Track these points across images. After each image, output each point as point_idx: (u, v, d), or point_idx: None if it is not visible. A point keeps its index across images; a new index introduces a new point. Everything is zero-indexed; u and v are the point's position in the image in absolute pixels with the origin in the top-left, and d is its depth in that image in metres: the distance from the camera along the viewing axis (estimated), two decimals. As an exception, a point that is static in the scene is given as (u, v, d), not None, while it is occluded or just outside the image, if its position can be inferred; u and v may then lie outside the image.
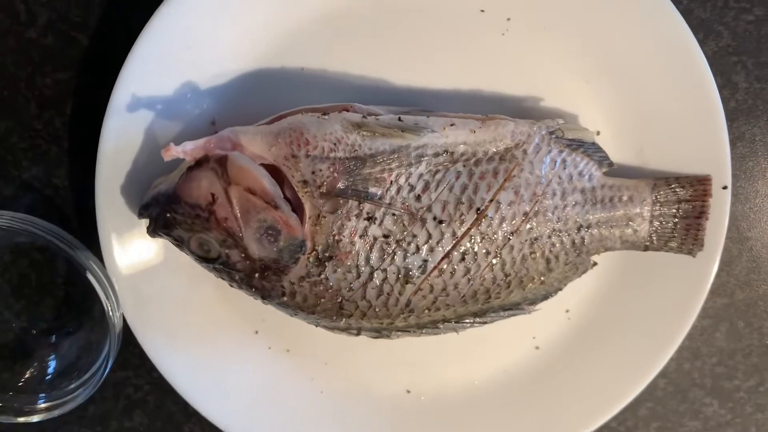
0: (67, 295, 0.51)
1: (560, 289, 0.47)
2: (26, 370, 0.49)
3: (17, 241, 0.49)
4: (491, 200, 0.44)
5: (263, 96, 0.48)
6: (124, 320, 0.47)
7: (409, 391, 0.51)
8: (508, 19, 0.48)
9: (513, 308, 0.47)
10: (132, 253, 0.47)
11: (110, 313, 0.44)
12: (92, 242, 0.47)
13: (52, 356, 0.49)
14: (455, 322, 0.47)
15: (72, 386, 0.47)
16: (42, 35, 0.50)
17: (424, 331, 0.46)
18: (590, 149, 0.46)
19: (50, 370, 0.49)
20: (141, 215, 0.44)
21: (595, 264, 0.47)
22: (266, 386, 0.50)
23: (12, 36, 0.50)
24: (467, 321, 0.47)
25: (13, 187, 0.51)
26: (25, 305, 0.51)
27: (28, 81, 0.50)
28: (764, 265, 0.53)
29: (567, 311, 0.50)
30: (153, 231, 0.44)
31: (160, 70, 0.46)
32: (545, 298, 0.47)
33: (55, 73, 0.50)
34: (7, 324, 0.50)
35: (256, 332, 0.50)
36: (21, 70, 0.50)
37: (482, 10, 0.48)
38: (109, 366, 0.46)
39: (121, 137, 0.46)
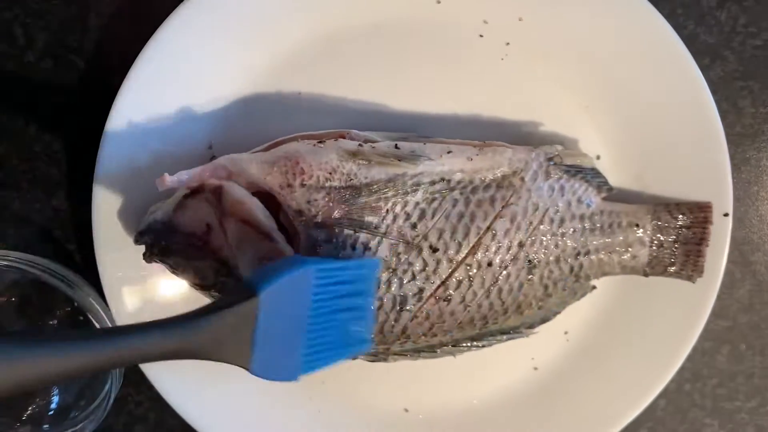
0: (69, 327, 0.50)
1: (558, 313, 0.47)
2: (28, 405, 0.49)
3: (14, 278, 0.49)
4: (488, 228, 0.44)
5: (260, 120, 0.48)
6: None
7: (407, 410, 0.51)
8: (507, 43, 0.47)
9: (511, 332, 0.47)
10: (129, 276, 0.47)
11: None
12: (91, 263, 0.47)
13: (55, 391, 0.49)
14: (452, 346, 0.46)
15: (77, 418, 0.47)
16: (40, 59, 0.50)
17: (421, 355, 0.46)
18: (589, 175, 0.46)
19: (53, 405, 0.49)
20: (137, 241, 0.44)
21: (594, 288, 0.47)
22: (264, 405, 0.50)
23: (10, 60, 0.50)
24: (465, 345, 0.46)
25: (10, 213, 0.51)
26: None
27: (27, 104, 0.50)
28: (767, 288, 0.52)
29: (566, 333, 0.50)
30: (149, 257, 0.44)
31: (157, 95, 0.46)
32: (544, 321, 0.47)
33: (53, 97, 0.50)
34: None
35: (255, 352, 0.50)
36: (20, 93, 0.50)
37: (481, 35, 0.47)
38: (112, 398, 0.46)
39: (117, 162, 0.46)
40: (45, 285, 0.45)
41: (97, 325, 0.43)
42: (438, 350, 0.46)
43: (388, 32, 0.47)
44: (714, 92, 0.46)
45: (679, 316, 0.48)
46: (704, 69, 0.46)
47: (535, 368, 0.50)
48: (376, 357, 0.46)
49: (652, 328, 0.48)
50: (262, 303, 0.34)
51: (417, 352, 0.46)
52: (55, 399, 0.49)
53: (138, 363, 0.31)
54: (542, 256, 0.45)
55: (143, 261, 0.44)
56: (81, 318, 0.49)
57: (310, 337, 0.37)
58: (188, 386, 0.48)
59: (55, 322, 0.49)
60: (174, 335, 0.32)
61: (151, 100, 0.46)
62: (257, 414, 0.50)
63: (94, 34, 0.50)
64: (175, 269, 0.44)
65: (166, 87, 0.46)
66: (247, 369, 0.35)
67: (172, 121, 0.46)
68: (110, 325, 0.45)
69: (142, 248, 0.44)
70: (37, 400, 0.49)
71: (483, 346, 0.47)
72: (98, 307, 0.45)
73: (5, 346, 0.28)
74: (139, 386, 0.52)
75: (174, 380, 0.48)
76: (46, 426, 0.48)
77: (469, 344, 0.47)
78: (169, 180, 0.41)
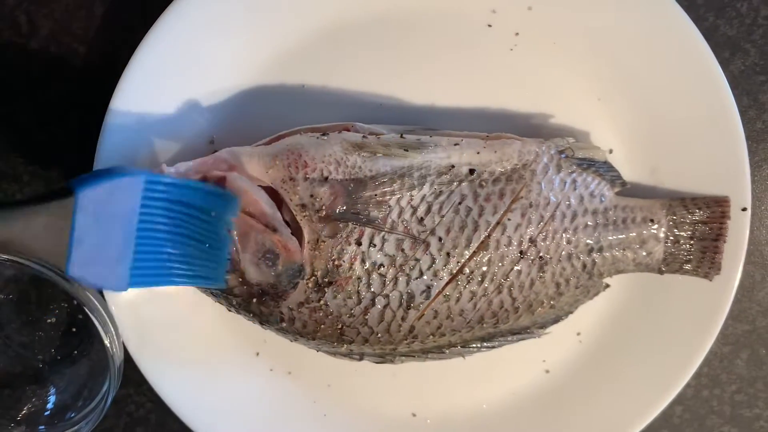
0: (67, 324, 0.50)
1: (571, 312, 0.46)
2: (24, 405, 0.48)
3: (12, 273, 0.48)
4: (497, 223, 0.43)
5: (263, 114, 0.47)
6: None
7: (414, 415, 0.49)
8: (517, 33, 0.46)
9: (522, 332, 0.46)
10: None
11: (110, 346, 0.43)
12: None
13: (52, 390, 0.48)
14: (462, 347, 0.45)
15: (74, 419, 0.46)
16: (43, 47, 0.49)
17: (429, 356, 0.45)
18: (602, 168, 0.45)
19: (49, 405, 0.48)
20: (137, 238, 0.43)
21: (607, 286, 0.46)
22: (268, 409, 0.49)
23: (13, 47, 0.50)
24: (474, 345, 0.46)
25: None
26: (22, 337, 0.50)
27: (29, 93, 0.50)
28: (788, 290, 0.51)
29: (578, 334, 0.49)
30: (149, 255, 0.43)
31: (158, 87, 0.45)
32: (556, 321, 0.46)
33: (56, 85, 0.50)
34: (3, 358, 0.49)
35: (257, 354, 0.49)
36: (22, 81, 0.50)
37: (489, 25, 0.46)
38: (110, 399, 0.45)
39: (116, 156, 0.45)
40: (43, 282, 0.45)
41: (96, 321, 0.42)
42: (447, 350, 0.45)
43: (393, 23, 0.46)
44: (734, 87, 0.45)
45: (696, 316, 0.47)
46: (724, 63, 0.45)
47: (547, 371, 0.49)
48: (382, 358, 0.45)
49: (667, 329, 0.47)
50: (80, 203, 0.34)
51: (425, 353, 0.45)
52: (52, 399, 0.48)
53: None
54: (554, 252, 0.43)
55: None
56: (80, 316, 0.48)
57: (141, 251, 0.36)
58: (190, 389, 0.47)
59: (54, 319, 0.49)
60: None
61: (152, 92, 0.45)
62: (260, 418, 0.49)
63: (99, 22, 0.49)
64: (176, 266, 0.43)
65: (167, 79, 0.45)
66: (64, 269, 0.35)
67: (173, 115, 0.46)
68: (108, 321, 0.44)
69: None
70: (33, 399, 0.48)
71: (493, 347, 0.46)
72: (96, 302, 0.44)
73: None
74: (140, 386, 0.52)
75: (175, 383, 0.47)
76: (42, 427, 0.47)
77: (479, 345, 0.46)
78: (168, 171, 0.40)
